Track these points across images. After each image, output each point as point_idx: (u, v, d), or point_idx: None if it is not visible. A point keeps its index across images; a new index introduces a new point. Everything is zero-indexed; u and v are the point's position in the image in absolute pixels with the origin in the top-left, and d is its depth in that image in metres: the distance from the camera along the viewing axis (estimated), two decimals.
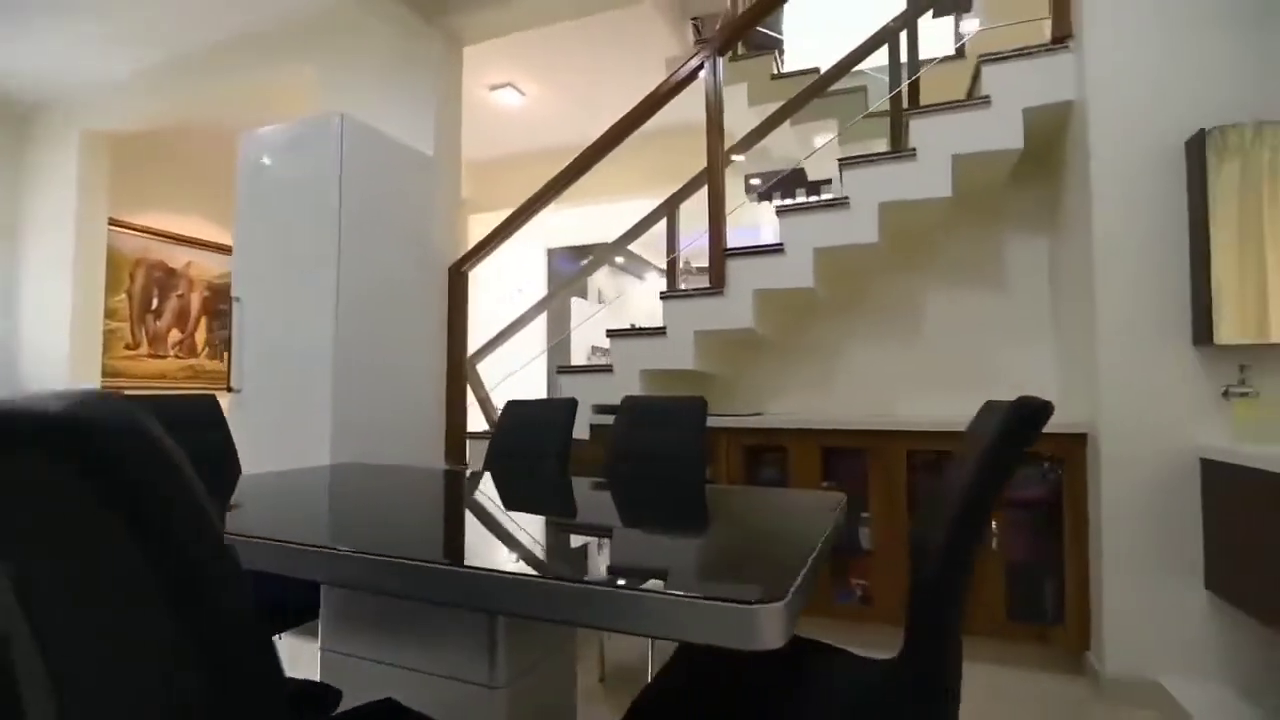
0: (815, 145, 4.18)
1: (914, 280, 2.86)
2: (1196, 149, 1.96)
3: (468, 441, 3.20)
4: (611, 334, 2.92)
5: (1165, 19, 2.06)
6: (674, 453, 2.16)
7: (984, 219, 2.77)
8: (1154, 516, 1.98)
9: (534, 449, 2.27)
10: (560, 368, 3.09)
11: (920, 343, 2.85)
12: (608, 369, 2.89)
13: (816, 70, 3.61)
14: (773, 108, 3.43)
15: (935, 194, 2.41)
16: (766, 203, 4.81)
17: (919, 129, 2.45)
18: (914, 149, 2.46)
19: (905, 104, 3.05)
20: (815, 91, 3.23)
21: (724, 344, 2.94)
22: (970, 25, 3.72)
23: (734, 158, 4.78)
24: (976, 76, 2.70)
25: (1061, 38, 2.29)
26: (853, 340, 2.95)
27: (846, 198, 2.54)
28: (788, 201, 4.64)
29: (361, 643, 1.22)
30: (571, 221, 6.02)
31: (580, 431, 2.83)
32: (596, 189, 4.68)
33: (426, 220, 3.08)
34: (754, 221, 5.26)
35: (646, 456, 2.18)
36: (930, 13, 3.45)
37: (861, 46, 3.05)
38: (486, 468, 2.27)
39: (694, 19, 4.19)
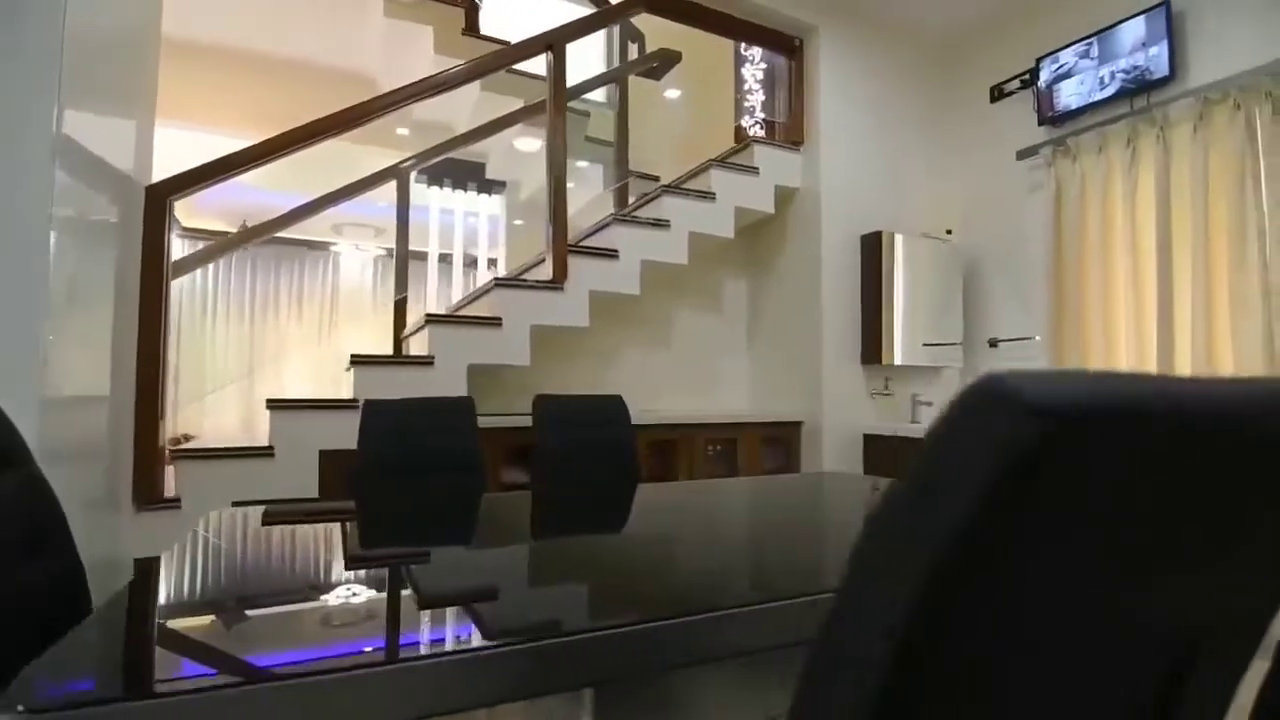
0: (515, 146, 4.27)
1: (667, 301, 3.40)
2: (871, 241, 3.19)
3: (172, 467, 2.09)
4: (433, 319, 2.46)
5: (864, 150, 3.26)
6: (608, 454, 2.14)
7: (710, 263, 3.53)
8: (845, 467, 3.11)
9: (421, 463, 1.86)
10: (357, 357, 2.37)
11: (670, 351, 3.43)
12: (428, 361, 2.42)
13: (506, 43, 3.71)
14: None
15: (677, 259, 2.94)
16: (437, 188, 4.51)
17: (669, 205, 2.94)
18: (668, 220, 2.93)
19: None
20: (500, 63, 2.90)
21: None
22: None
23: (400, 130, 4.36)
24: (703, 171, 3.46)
25: (794, 143, 3.27)
26: (627, 346, 3.30)
27: (668, 221, 2.92)
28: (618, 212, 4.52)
29: None
30: None
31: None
32: None
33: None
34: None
35: (580, 458, 2.09)
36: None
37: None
38: (356, 492, 1.74)
39: None
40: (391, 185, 3.29)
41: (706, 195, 3.03)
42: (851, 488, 1.85)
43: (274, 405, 2.22)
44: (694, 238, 2.99)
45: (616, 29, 4.01)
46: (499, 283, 2.57)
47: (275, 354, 6.05)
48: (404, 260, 3.36)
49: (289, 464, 2.20)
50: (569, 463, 2.06)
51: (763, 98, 5.76)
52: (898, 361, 3.18)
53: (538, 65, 3.69)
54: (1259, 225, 2.31)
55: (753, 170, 3.15)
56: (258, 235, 3.44)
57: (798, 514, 1.59)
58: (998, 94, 3.38)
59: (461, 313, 2.66)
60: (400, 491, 1.80)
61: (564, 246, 2.67)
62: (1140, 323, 2.66)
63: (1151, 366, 2.60)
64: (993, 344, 3.37)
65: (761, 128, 5.35)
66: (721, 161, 3.11)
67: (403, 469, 1.85)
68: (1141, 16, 2.72)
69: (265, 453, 2.17)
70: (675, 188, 2.99)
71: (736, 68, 4.57)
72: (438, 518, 1.51)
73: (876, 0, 3.23)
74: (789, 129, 3.31)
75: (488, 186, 4.70)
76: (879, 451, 3.08)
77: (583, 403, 2.22)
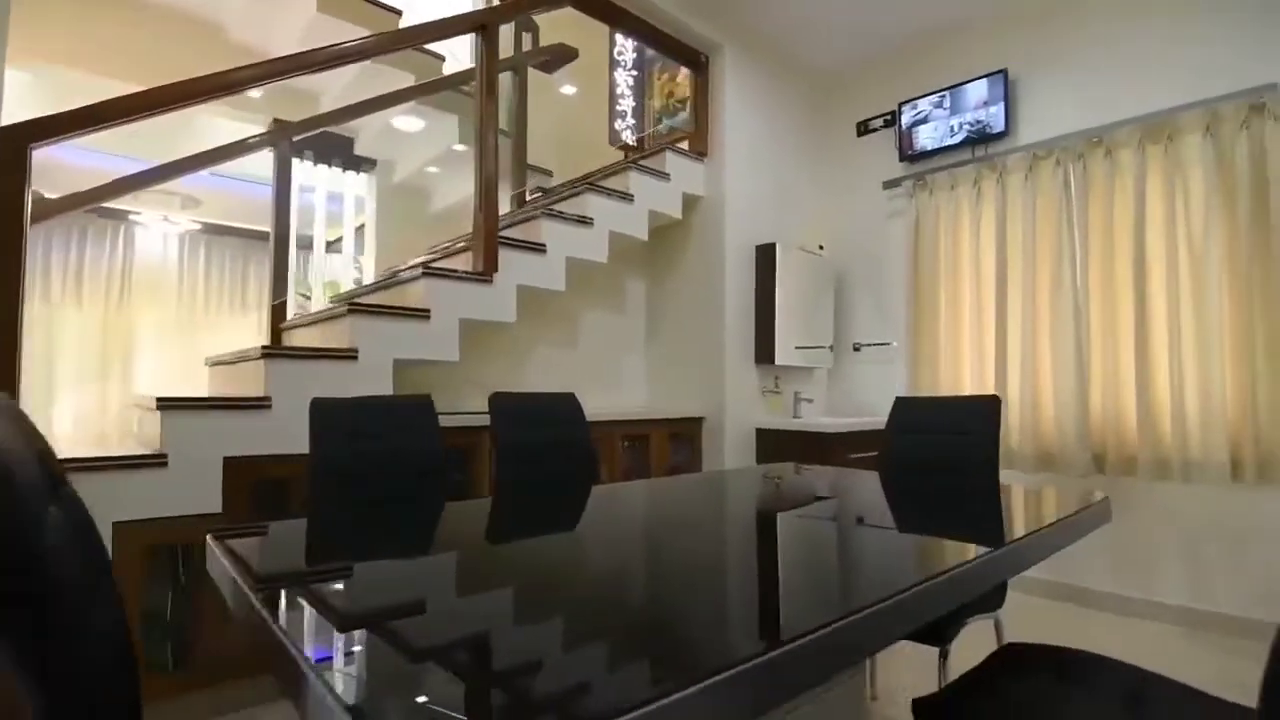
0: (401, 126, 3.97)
1: (573, 299, 3.39)
2: (765, 250, 3.47)
3: None
4: (356, 308, 2.23)
5: (758, 166, 3.52)
6: (572, 452, 2.13)
7: (613, 263, 3.57)
8: (740, 460, 3.35)
9: (379, 464, 1.75)
10: (270, 349, 2.06)
11: (577, 349, 3.42)
12: (351, 355, 2.19)
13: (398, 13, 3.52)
14: (347, 28, 3.19)
15: (598, 258, 3.00)
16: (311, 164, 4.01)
17: (593, 203, 2.96)
18: (591, 218, 2.98)
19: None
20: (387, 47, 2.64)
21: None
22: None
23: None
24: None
25: (699, 154, 3.44)
26: (540, 344, 3.23)
27: (591, 219, 2.93)
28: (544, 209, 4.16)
29: None
30: None
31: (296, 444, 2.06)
32: None
33: None
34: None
35: (545, 457, 2.05)
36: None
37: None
38: (314, 501, 1.60)
39: None
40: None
41: (626, 196, 3.08)
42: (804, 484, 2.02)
43: (166, 405, 1.87)
44: (613, 237, 3.03)
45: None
46: (428, 271, 2.40)
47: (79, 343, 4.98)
48: (284, 242, 2.98)
49: (185, 474, 1.87)
50: (532, 462, 2.00)
51: (633, 103, 5.93)
52: (783, 362, 3.49)
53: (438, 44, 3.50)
54: (1072, 257, 2.92)
55: (664, 175, 3.26)
56: (78, 204, 2.80)
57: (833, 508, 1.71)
58: (864, 129, 3.85)
59: (384, 303, 2.43)
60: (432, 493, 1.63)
61: (494, 238, 2.56)
62: (981, 333, 3.20)
63: (990, 369, 3.15)
64: (856, 348, 3.83)
65: (631, 133, 5.51)
66: (638, 164, 3.18)
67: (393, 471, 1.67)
68: (984, 79, 3.28)
69: (157, 461, 1.83)
70: (597, 186, 3.00)
71: (610, 71, 4.67)
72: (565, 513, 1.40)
73: (770, 31, 3.51)
74: (694, 139, 3.47)
75: (355, 163, 4.30)
76: (769, 445, 3.36)
77: (539, 401, 2.17)
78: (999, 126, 3.22)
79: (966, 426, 2.00)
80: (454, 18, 2.57)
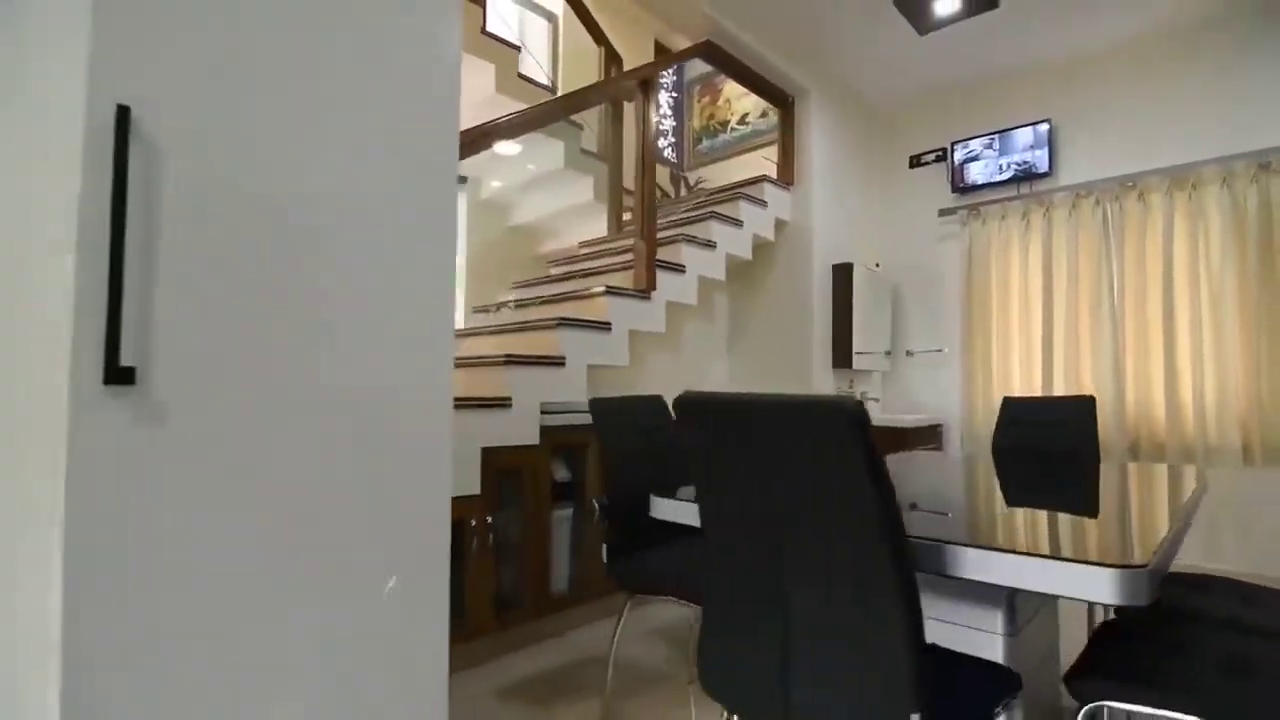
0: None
1: (674, 312, 3.82)
2: (842, 269, 3.98)
3: None
4: (564, 322, 2.63)
5: (833, 194, 4.02)
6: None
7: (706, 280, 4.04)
8: None
9: (648, 451, 2.19)
10: (512, 357, 2.44)
11: (676, 353, 3.86)
12: (559, 362, 2.60)
13: (551, 90, 3.95)
14: (514, 105, 3.60)
15: (719, 276, 3.49)
16: None
17: (714, 228, 3.45)
18: (715, 241, 3.46)
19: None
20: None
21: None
22: None
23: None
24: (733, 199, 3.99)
25: (787, 183, 3.93)
26: (647, 348, 3.66)
27: (715, 242, 3.38)
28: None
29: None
30: None
31: (526, 437, 2.47)
32: None
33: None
34: None
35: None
36: None
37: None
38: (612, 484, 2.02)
39: None
40: None
41: (737, 222, 3.54)
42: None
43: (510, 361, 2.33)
44: (728, 258, 3.49)
45: (604, 50, 4.30)
46: (609, 290, 2.81)
47: None
48: None
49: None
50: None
51: (674, 123, 6.44)
52: (856, 367, 4.02)
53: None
54: (1110, 282, 3.52)
55: (763, 203, 3.74)
56: None
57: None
58: (915, 162, 4.41)
59: (583, 317, 2.80)
60: None
61: (654, 261, 2.99)
62: (1029, 343, 3.79)
63: (1038, 374, 3.74)
64: (909, 354, 4.38)
65: (672, 151, 5.98)
66: (745, 194, 3.65)
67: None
68: (1030, 126, 3.87)
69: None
70: (719, 214, 3.45)
71: (648, 94, 5.12)
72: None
73: (841, 75, 4.03)
74: (782, 170, 3.95)
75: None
76: None
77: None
78: (1043, 168, 3.81)
79: (1065, 421, 2.54)
80: (620, 75, 2.98)
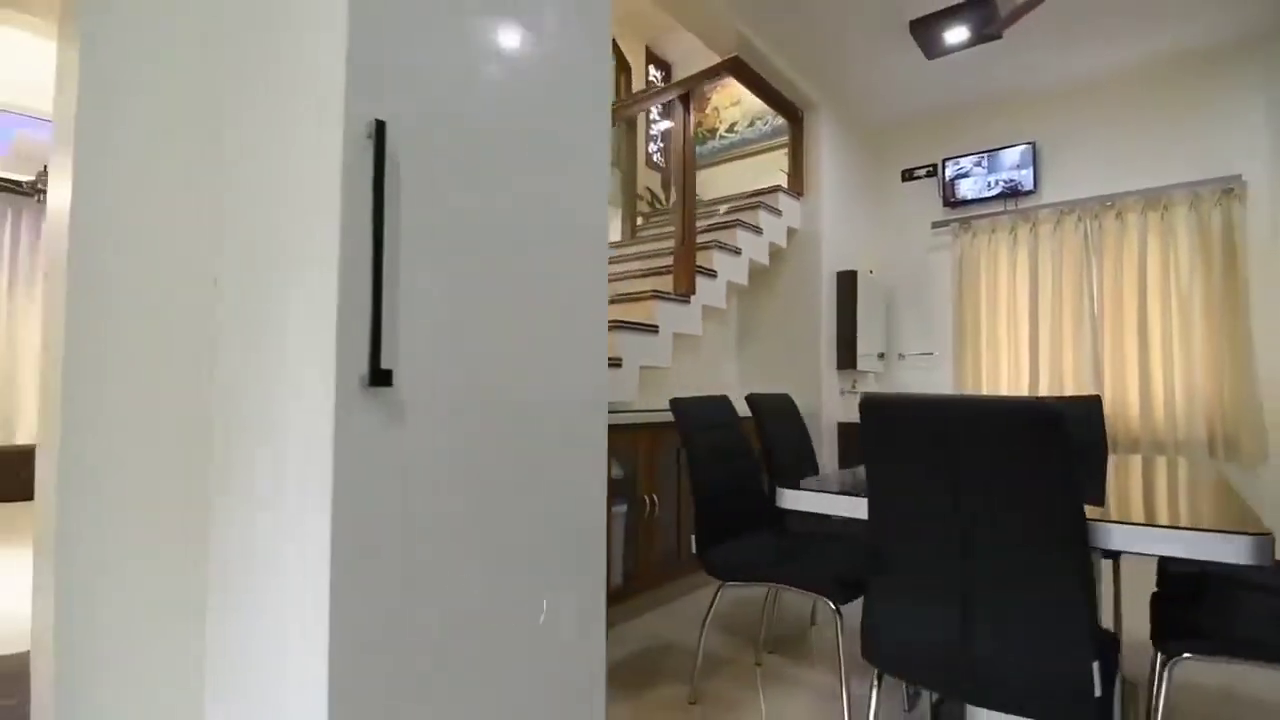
0: None
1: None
2: (846, 275, 4.21)
3: None
4: (616, 325, 2.73)
5: (836, 205, 4.25)
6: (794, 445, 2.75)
7: None
8: (828, 449, 4.08)
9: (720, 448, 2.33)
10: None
11: (694, 354, 4.01)
12: (616, 363, 2.70)
13: None
14: None
15: (743, 281, 3.69)
16: None
17: (740, 235, 3.65)
18: (740, 248, 3.65)
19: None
20: None
21: None
22: None
23: None
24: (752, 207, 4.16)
25: (797, 193, 4.13)
26: (675, 353, 3.79)
27: (740, 249, 3.54)
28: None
29: None
30: None
31: None
32: None
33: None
34: None
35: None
36: None
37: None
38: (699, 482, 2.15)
39: None
40: None
41: (758, 229, 3.71)
42: None
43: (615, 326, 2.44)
44: (750, 264, 3.66)
45: (612, 62, 4.40)
46: (656, 295, 2.93)
47: None
48: None
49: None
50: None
51: (664, 128, 6.61)
52: (859, 369, 4.26)
53: None
54: (1090, 292, 3.87)
55: (779, 212, 3.92)
56: None
57: None
58: (907, 176, 4.69)
59: (632, 320, 2.89)
60: None
61: (693, 266, 3.12)
62: (1016, 346, 4.11)
63: (1025, 375, 4.06)
64: (901, 356, 4.67)
65: (660, 155, 6.15)
66: (764, 204, 3.82)
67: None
68: (1017, 147, 4.20)
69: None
70: (743, 223, 3.61)
71: (689, 106, 5.28)
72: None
73: (848, 91, 4.26)
74: (792, 181, 4.15)
75: None
76: (848, 435, 4.11)
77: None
78: (1029, 186, 4.14)
79: (1077, 420, 2.81)
80: (664, 87, 3.10)
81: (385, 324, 1.09)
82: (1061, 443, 1.07)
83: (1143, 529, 1.15)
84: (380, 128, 1.06)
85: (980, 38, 3.48)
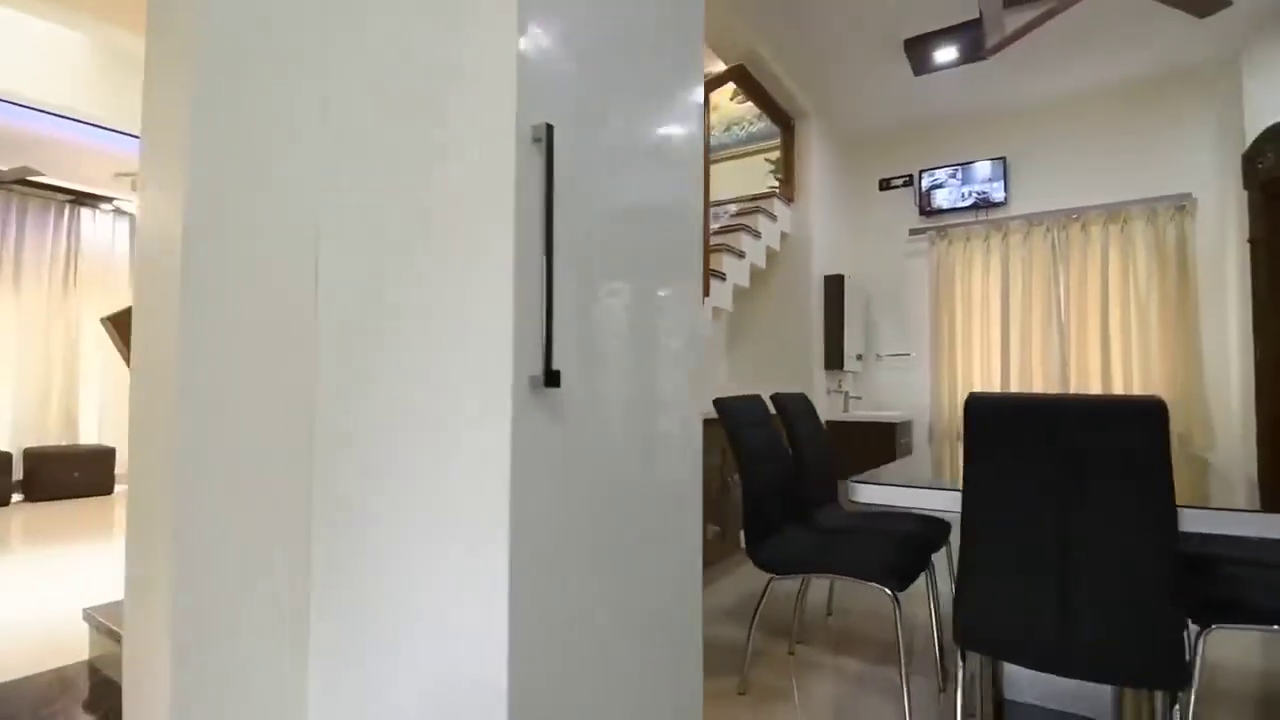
0: None
1: None
2: (834, 279, 4.38)
3: None
4: None
5: (823, 211, 4.41)
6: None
7: None
8: None
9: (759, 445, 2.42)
10: None
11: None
12: None
13: None
14: None
15: (745, 283, 3.81)
16: None
17: (744, 240, 3.78)
18: (744, 251, 3.77)
19: None
20: None
21: None
22: None
23: None
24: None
25: (789, 199, 4.27)
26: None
27: (744, 252, 3.64)
28: None
29: None
30: None
31: None
32: None
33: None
34: None
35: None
36: None
37: None
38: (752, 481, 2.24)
39: None
40: None
41: (758, 234, 3.82)
42: None
43: None
44: (750, 267, 3.77)
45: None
46: None
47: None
48: None
49: None
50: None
51: None
52: (847, 368, 4.44)
53: None
54: (1058, 297, 4.17)
55: (774, 217, 4.05)
56: None
57: None
58: (885, 185, 4.92)
59: None
60: None
61: (708, 268, 3.19)
62: (989, 347, 4.38)
63: (996, 373, 4.33)
64: (879, 357, 4.88)
65: None
66: (762, 209, 3.94)
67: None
68: (989, 161, 4.47)
69: None
70: (748, 228, 3.72)
71: (705, 109, 5.34)
72: None
73: (836, 102, 4.43)
74: (784, 187, 4.29)
75: None
76: (835, 432, 4.29)
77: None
78: (1000, 198, 4.42)
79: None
80: None
81: (556, 324, 1.11)
82: (1163, 432, 1.19)
83: (1218, 513, 1.29)
84: (549, 131, 1.08)
85: (968, 58, 3.70)
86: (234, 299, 1.16)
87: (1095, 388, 4.06)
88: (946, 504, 1.55)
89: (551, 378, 1.07)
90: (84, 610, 2.03)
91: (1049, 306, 4.20)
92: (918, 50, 3.62)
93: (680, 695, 1.40)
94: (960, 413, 4.31)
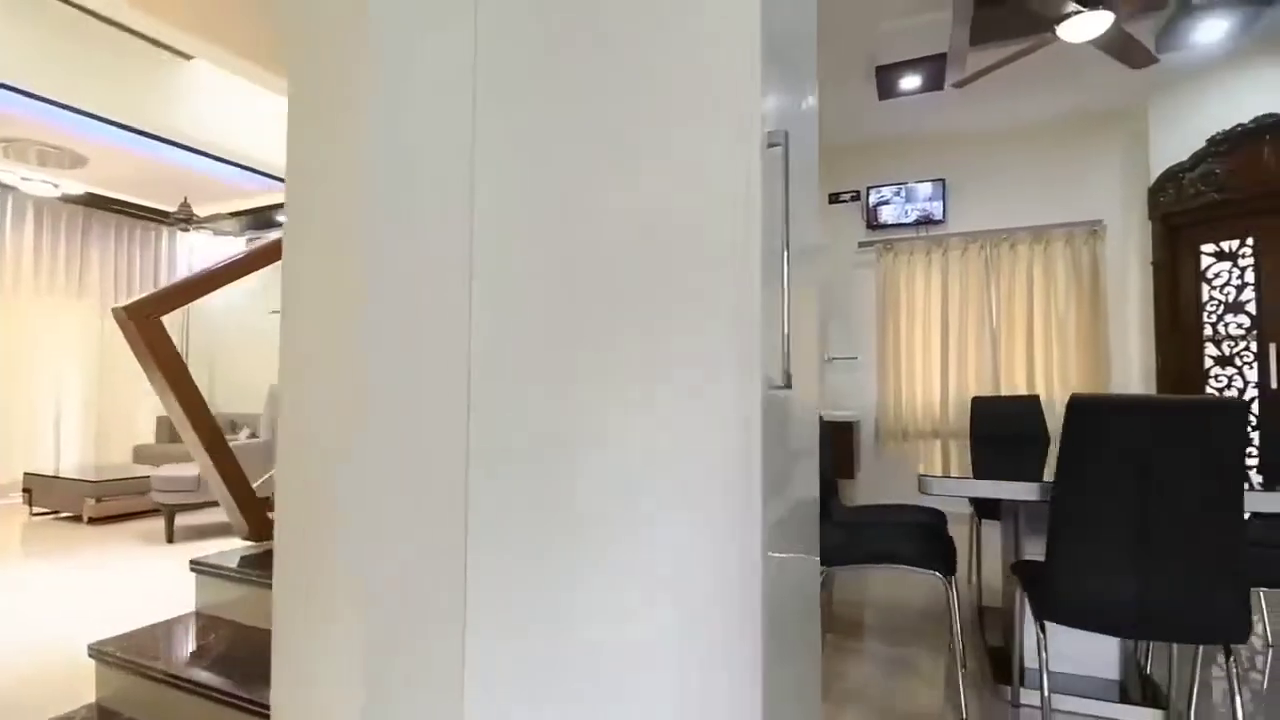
0: None
1: None
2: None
3: None
4: None
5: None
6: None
7: None
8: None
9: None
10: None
11: None
12: None
13: None
14: None
15: None
16: None
17: None
18: None
19: None
20: None
21: None
22: None
23: None
24: None
25: None
26: None
27: None
28: None
29: None
30: None
31: None
32: None
33: None
34: None
35: None
36: None
37: None
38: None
39: None
40: None
41: None
42: None
43: None
44: None
45: None
46: None
47: None
48: None
49: None
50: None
51: None
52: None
53: None
54: (991, 308, 4.63)
55: None
56: None
57: None
58: (834, 199, 5.23)
59: None
60: None
61: None
62: (929, 355, 4.79)
63: (936, 377, 4.74)
64: (828, 360, 5.19)
65: None
66: None
67: None
68: (930, 182, 4.88)
69: None
70: None
71: None
72: None
73: None
74: None
75: None
76: (824, 430, 4.52)
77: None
78: (939, 216, 4.84)
79: (1021, 415, 3.39)
80: None
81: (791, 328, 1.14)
82: (1242, 428, 1.40)
83: (1267, 494, 1.53)
84: (785, 138, 1.11)
85: (929, 87, 4.03)
86: (425, 317, 1.09)
87: (1022, 389, 4.55)
88: (1025, 494, 1.72)
89: (787, 380, 1.10)
90: (89, 646, 1.76)
91: (983, 316, 4.66)
92: (887, 77, 3.90)
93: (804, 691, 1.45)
94: (905, 413, 4.69)
